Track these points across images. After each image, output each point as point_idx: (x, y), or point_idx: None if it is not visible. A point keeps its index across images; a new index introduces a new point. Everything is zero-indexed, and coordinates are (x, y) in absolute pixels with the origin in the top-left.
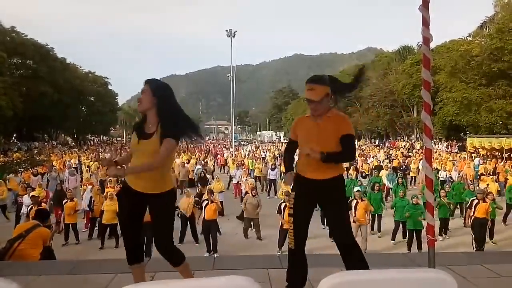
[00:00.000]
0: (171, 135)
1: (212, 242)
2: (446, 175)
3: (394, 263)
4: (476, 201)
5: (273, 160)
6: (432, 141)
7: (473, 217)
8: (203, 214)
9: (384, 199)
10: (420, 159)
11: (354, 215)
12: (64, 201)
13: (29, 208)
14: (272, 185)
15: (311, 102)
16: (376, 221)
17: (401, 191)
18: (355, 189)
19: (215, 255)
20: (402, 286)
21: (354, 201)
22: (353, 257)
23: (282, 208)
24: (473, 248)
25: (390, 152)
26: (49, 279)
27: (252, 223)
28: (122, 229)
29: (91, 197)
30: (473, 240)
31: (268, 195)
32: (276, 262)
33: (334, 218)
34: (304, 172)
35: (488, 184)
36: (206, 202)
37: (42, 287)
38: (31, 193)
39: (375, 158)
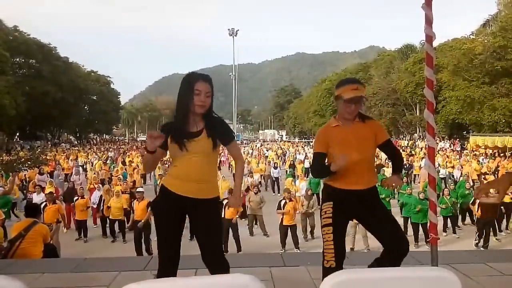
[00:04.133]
0: None
1: (235, 242)
2: (446, 173)
3: None
4: None
5: (275, 158)
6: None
7: (477, 215)
8: (223, 213)
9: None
10: (422, 157)
11: None
12: (75, 198)
13: (43, 206)
14: (276, 183)
15: (358, 101)
16: None
17: (408, 188)
18: None
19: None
20: (405, 284)
21: None
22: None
23: (282, 205)
24: (474, 244)
25: None
26: (52, 277)
27: (256, 220)
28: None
29: (100, 196)
30: (477, 237)
31: (274, 192)
32: (278, 261)
33: (388, 221)
34: (344, 183)
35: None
36: (226, 201)
37: (45, 285)
38: (48, 190)
39: (377, 157)
